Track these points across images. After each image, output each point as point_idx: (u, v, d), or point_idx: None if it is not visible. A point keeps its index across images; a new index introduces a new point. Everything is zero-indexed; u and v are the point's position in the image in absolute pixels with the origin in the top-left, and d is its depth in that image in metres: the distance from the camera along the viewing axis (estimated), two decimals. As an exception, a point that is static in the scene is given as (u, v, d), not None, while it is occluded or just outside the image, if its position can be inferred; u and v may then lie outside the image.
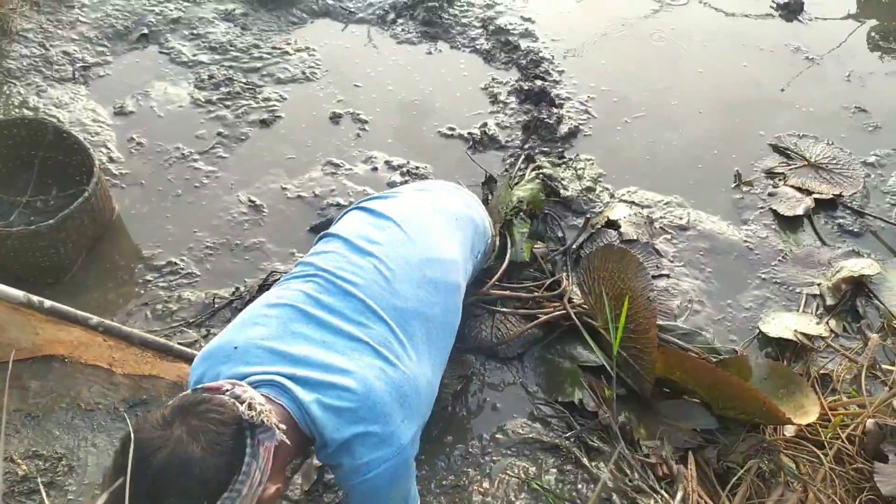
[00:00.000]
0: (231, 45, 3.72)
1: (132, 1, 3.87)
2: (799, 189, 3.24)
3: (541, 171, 3.12)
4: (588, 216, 3.01)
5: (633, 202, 3.15)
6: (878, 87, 3.85)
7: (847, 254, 2.98)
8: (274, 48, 3.75)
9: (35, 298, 2.17)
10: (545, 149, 3.34)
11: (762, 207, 3.19)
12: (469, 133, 3.40)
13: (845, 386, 2.45)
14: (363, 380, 1.43)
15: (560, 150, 3.35)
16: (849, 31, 4.23)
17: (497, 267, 2.56)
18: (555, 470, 2.19)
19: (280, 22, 3.92)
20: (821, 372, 2.49)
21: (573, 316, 2.50)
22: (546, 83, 3.63)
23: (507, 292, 2.59)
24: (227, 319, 2.57)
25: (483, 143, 3.36)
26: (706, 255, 2.98)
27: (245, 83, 3.54)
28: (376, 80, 3.66)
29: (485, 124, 3.43)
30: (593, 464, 2.20)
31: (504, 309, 2.56)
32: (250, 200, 3.02)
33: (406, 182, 3.11)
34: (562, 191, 3.09)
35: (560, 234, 2.95)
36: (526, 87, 3.60)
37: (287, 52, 3.74)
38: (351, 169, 3.18)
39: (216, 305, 2.60)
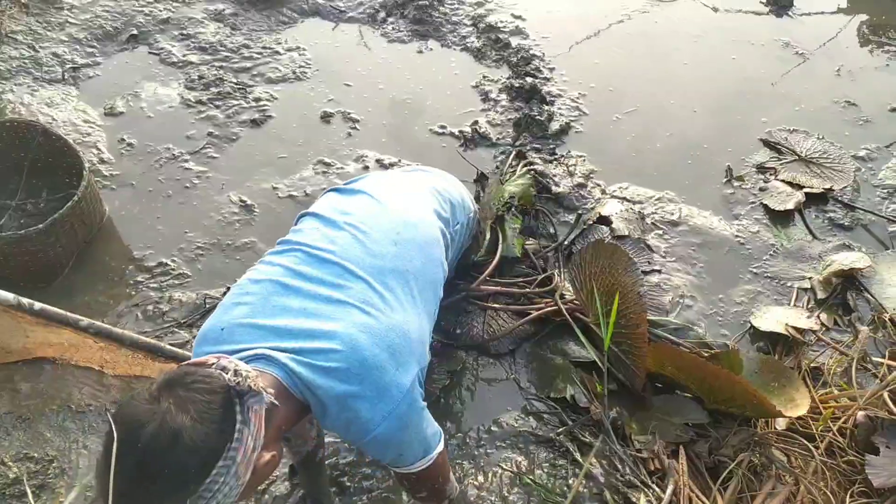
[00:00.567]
0: (221, 45, 3.71)
1: (121, 2, 3.86)
2: (790, 183, 3.25)
3: (532, 166, 3.12)
4: (580, 212, 3.01)
5: (624, 198, 3.15)
6: (867, 81, 3.86)
7: (838, 247, 2.99)
8: (264, 48, 3.75)
9: (25, 301, 2.16)
10: (536, 146, 3.34)
11: (753, 202, 3.20)
12: (460, 131, 3.40)
13: (836, 379, 2.45)
14: (348, 338, 1.43)
15: (551, 146, 3.35)
16: (839, 26, 4.23)
17: (488, 262, 2.56)
18: (547, 464, 2.20)
19: (270, 22, 3.92)
20: (812, 365, 2.49)
21: (565, 312, 2.50)
22: (537, 80, 3.63)
23: (499, 288, 2.59)
24: (219, 319, 2.56)
25: (474, 140, 3.36)
26: (698, 250, 2.98)
27: (235, 83, 3.53)
28: (367, 79, 3.66)
29: (476, 122, 3.43)
30: (585, 460, 2.20)
31: (496, 305, 2.57)
32: (241, 200, 3.01)
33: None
34: (553, 187, 3.09)
35: (552, 231, 2.96)
36: (517, 85, 3.60)
37: (277, 52, 3.74)
38: (342, 168, 3.17)
39: (207, 306, 2.60)
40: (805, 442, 2.24)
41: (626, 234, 2.93)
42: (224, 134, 3.30)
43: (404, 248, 1.67)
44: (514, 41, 3.89)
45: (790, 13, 4.28)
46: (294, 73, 3.63)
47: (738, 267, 2.93)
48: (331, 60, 3.74)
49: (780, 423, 2.31)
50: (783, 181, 3.26)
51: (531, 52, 3.81)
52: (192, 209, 2.98)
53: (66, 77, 3.44)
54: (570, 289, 2.62)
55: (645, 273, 2.81)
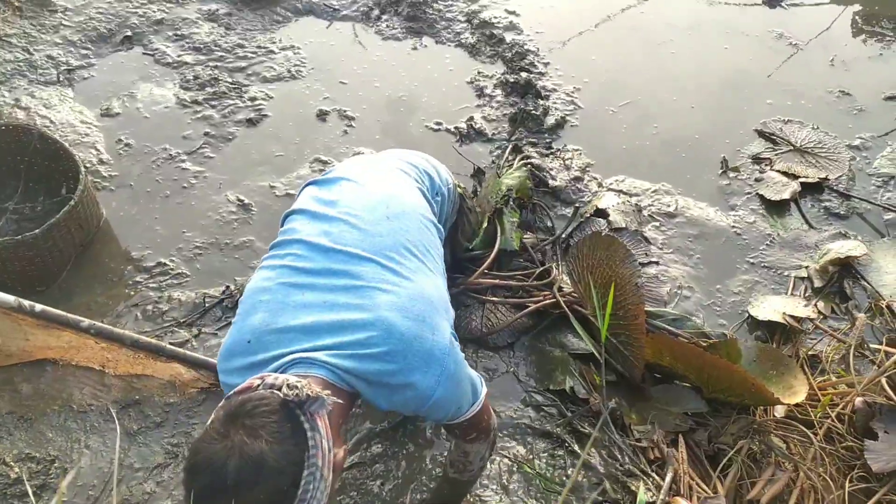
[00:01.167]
0: (216, 45, 3.72)
1: (115, 3, 3.87)
2: (785, 174, 3.26)
3: (528, 160, 3.13)
4: (577, 205, 3.02)
5: (621, 191, 3.16)
6: (861, 70, 3.88)
7: (834, 236, 3.00)
8: (259, 47, 3.75)
9: (26, 303, 2.16)
10: (532, 140, 3.35)
11: (749, 193, 3.21)
12: (456, 127, 3.40)
13: (834, 366, 2.47)
14: (380, 321, 1.44)
15: (547, 140, 3.36)
16: (832, 16, 4.24)
17: (486, 256, 2.57)
18: (546, 454, 2.21)
19: (264, 21, 3.92)
20: (809, 353, 2.51)
21: (563, 304, 2.51)
22: (532, 75, 3.64)
23: (497, 281, 2.60)
24: (218, 318, 2.58)
25: (470, 136, 3.37)
26: (695, 242, 2.99)
27: (231, 83, 3.54)
28: (362, 76, 3.67)
29: (471, 118, 3.44)
30: (583, 449, 2.22)
31: (494, 298, 2.57)
32: (239, 199, 3.02)
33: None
34: (550, 181, 3.10)
35: (549, 224, 2.97)
36: (512, 80, 3.61)
37: (272, 51, 3.74)
38: (339, 165, 3.18)
39: (207, 305, 2.61)
40: (804, 429, 2.26)
41: (624, 226, 2.94)
42: (220, 133, 3.30)
43: (397, 220, 1.67)
44: (509, 36, 3.90)
45: (783, 4, 4.29)
46: (289, 71, 3.64)
47: (735, 257, 2.95)
48: (325, 59, 3.74)
49: (779, 411, 2.32)
50: (779, 171, 3.27)
51: (525, 47, 3.82)
52: (189, 209, 2.98)
53: (61, 79, 3.45)
54: (568, 281, 2.63)
55: (642, 265, 2.82)
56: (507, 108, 3.50)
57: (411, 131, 3.40)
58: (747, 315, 2.69)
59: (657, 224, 3.04)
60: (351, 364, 1.40)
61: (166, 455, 2.18)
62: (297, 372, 1.38)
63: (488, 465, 2.17)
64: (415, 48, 3.87)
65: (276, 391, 1.24)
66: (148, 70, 3.58)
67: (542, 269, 2.69)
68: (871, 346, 2.52)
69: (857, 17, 4.25)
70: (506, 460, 2.19)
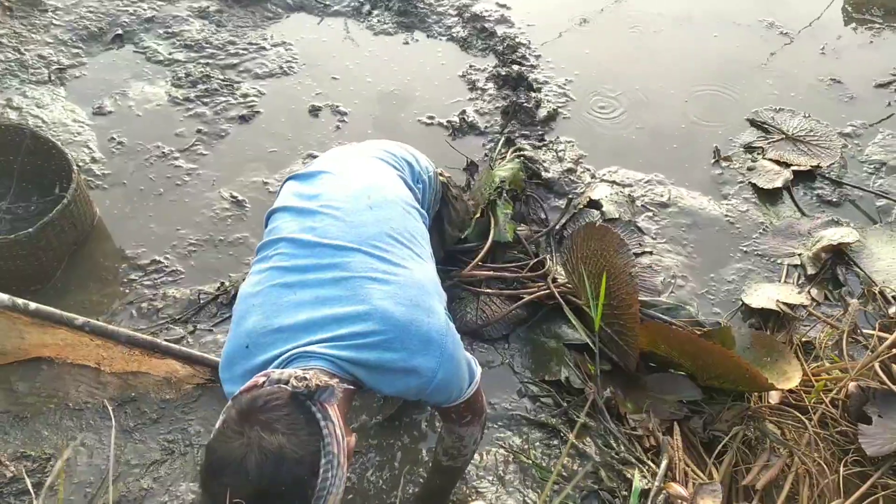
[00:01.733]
0: (207, 43, 3.71)
1: (105, 2, 3.86)
2: (777, 162, 3.27)
3: (521, 152, 3.14)
4: (570, 197, 3.03)
5: (614, 181, 3.17)
6: (852, 58, 3.89)
7: (826, 223, 3.01)
8: (250, 44, 3.75)
9: (20, 301, 2.16)
10: (525, 133, 3.35)
11: (742, 181, 3.22)
12: (448, 121, 3.41)
13: (827, 352, 2.48)
14: (374, 310, 1.45)
15: (540, 133, 3.36)
16: (823, 5, 4.24)
17: (480, 248, 2.57)
18: (542, 445, 2.22)
19: (255, 17, 3.92)
20: (803, 339, 2.52)
21: (557, 295, 2.52)
22: (523, 68, 3.64)
23: (491, 273, 2.61)
24: (213, 315, 2.58)
25: (463, 129, 3.37)
26: (688, 231, 3.00)
27: (222, 80, 3.53)
28: (354, 71, 3.67)
29: (464, 111, 3.44)
30: (579, 440, 2.23)
31: (489, 290, 2.58)
32: (232, 196, 3.02)
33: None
34: (543, 173, 3.10)
35: (543, 216, 2.97)
36: (503, 73, 3.61)
37: (263, 48, 3.74)
38: (332, 160, 3.18)
39: (201, 301, 2.61)
40: (798, 414, 2.27)
41: (617, 216, 2.95)
42: (213, 130, 3.30)
43: (380, 209, 1.67)
44: (500, 30, 3.90)
45: (774, -7, 4.30)
46: (281, 68, 3.64)
47: (729, 246, 2.96)
48: (317, 54, 3.74)
49: (773, 397, 2.33)
50: (771, 160, 3.28)
51: (517, 40, 3.82)
52: (183, 206, 2.98)
53: (52, 78, 3.44)
54: (562, 272, 2.63)
55: (636, 255, 2.83)
56: (499, 101, 3.50)
57: (404, 126, 3.41)
58: (741, 303, 2.70)
59: (650, 214, 3.05)
60: (349, 354, 1.41)
61: (163, 451, 2.18)
62: (297, 366, 1.39)
63: (484, 456, 2.18)
64: (406, 42, 3.86)
65: (284, 385, 1.25)
66: (139, 68, 3.57)
67: (536, 260, 2.70)
68: (865, 331, 2.54)
69: (847, 6, 4.26)
70: (501, 451, 2.20)
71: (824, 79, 3.74)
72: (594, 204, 2.99)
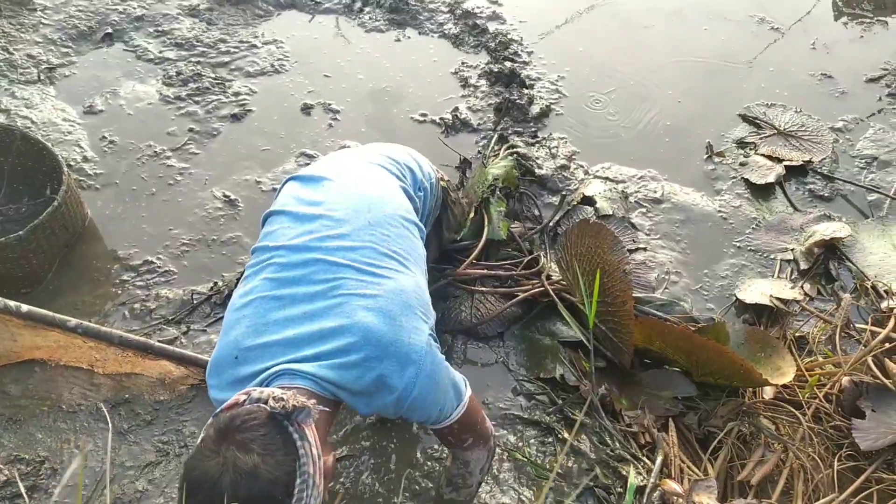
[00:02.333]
0: (197, 41, 3.69)
1: (95, 1, 3.83)
2: (770, 157, 3.28)
3: (514, 149, 3.13)
4: (563, 193, 3.03)
5: (607, 178, 3.17)
6: (842, 53, 3.90)
7: (819, 218, 3.02)
8: (241, 42, 3.73)
9: (12, 303, 2.15)
10: (518, 129, 3.35)
11: (734, 177, 3.23)
12: (441, 118, 3.40)
13: (821, 347, 2.49)
14: (357, 327, 1.46)
15: (533, 129, 3.36)
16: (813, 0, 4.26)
17: (474, 246, 2.57)
18: (537, 442, 2.22)
19: (246, 15, 3.90)
20: (797, 334, 2.53)
21: (551, 292, 2.52)
22: (516, 65, 3.63)
23: (486, 271, 2.61)
24: (207, 315, 2.57)
25: (455, 126, 3.37)
26: (681, 227, 3.01)
27: (214, 78, 3.51)
28: (346, 69, 3.65)
29: (456, 108, 3.43)
30: (571, 435, 2.23)
31: (483, 289, 2.58)
32: (225, 195, 3.01)
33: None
34: (536, 170, 3.10)
35: (536, 213, 2.97)
36: (496, 70, 3.60)
37: (255, 46, 3.72)
38: (324, 159, 3.17)
39: (195, 301, 2.60)
40: (792, 409, 2.28)
41: (611, 213, 2.95)
42: (205, 129, 3.28)
43: (379, 225, 1.68)
44: (492, 26, 3.89)
45: (765, -12, 4.30)
46: (272, 66, 3.62)
47: (722, 241, 2.96)
48: (309, 52, 3.73)
49: (768, 392, 2.34)
50: (763, 155, 3.29)
51: (509, 36, 3.82)
52: (175, 206, 2.97)
53: (42, 78, 3.41)
54: (557, 270, 2.63)
55: (630, 251, 2.83)
56: (491, 98, 3.50)
57: (396, 123, 3.40)
58: (735, 298, 2.71)
59: (644, 210, 3.05)
60: (333, 375, 1.44)
61: (158, 453, 2.18)
62: (282, 383, 1.42)
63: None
64: (398, 40, 3.85)
65: (262, 405, 1.28)
66: (130, 67, 3.55)
67: (530, 257, 2.70)
68: (857, 325, 2.55)
69: (837, 1, 4.27)
70: (496, 448, 2.20)
71: (815, 74, 3.75)
72: (588, 200, 2.99)
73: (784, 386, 2.31)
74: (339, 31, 3.88)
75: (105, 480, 2.08)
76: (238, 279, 2.59)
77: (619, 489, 2.07)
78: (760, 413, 2.28)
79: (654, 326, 2.29)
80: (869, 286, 2.69)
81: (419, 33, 3.90)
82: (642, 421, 2.21)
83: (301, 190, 1.79)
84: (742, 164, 3.26)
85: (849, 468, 2.15)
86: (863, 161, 3.30)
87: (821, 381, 2.34)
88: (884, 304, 2.59)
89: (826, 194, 3.14)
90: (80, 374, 2.35)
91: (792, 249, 2.89)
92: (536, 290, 2.56)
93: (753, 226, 3.01)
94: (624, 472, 2.09)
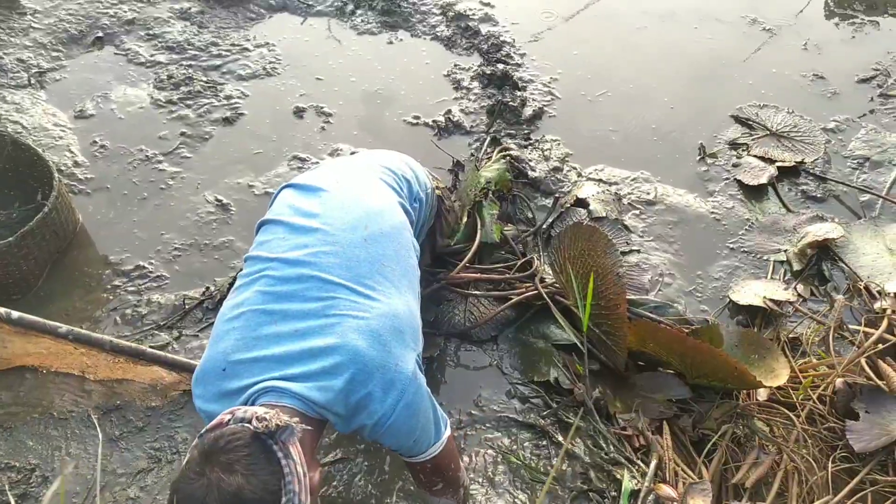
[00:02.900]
0: (189, 44, 3.68)
1: (85, 4, 3.81)
2: (762, 158, 3.28)
3: (507, 152, 3.13)
4: (557, 196, 3.02)
5: (600, 180, 3.17)
6: (834, 54, 3.91)
7: (811, 219, 3.02)
8: (233, 45, 3.72)
9: (2, 310, 2.14)
10: (511, 132, 3.35)
11: (727, 178, 3.23)
12: (434, 120, 3.39)
13: (814, 348, 2.49)
14: (347, 348, 1.47)
15: (526, 132, 3.36)
16: (804, 0, 4.26)
17: (467, 249, 2.56)
18: (531, 445, 2.21)
19: (237, 18, 3.88)
20: (790, 336, 2.53)
21: (545, 295, 2.51)
22: (508, 67, 3.63)
23: (479, 275, 2.60)
24: (199, 320, 2.55)
25: (448, 129, 3.36)
26: (675, 229, 3.01)
27: (206, 81, 3.50)
28: (338, 72, 3.64)
29: (449, 111, 3.42)
30: (566, 438, 2.22)
31: (476, 292, 2.57)
32: (217, 199, 2.99)
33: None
34: (529, 172, 3.10)
35: (530, 215, 2.97)
36: (488, 72, 3.60)
37: (246, 49, 3.71)
38: (317, 162, 3.16)
39: (187, 306, 2.58)
40: (786, 411, 2.28)
41: (604, 215, 2.95)
42: (197, 133, 3.27)
43: (375, 243, 1.68)
44: (484, 28, 3.89)
45: (756, -10, 4.31)
46: (264, 69, 3.61)
47: (715, 243, 2.96)
48: (301, 55, 3.72)
49: (762, 394, 2.34)
50: (755, 156, 3.29)
51: (501, 38, 3.82)
52: (167, 210, 2.96)
53: (32, 82, 3.40)
54: (550, 272, 2.63)
55: (624, 254, 2.83)
56: (484, 101, 3.49)
57: (389, 126, 3.39)
58: (728, 300, 2.71)
59: (637, 212, 3.05)
60: (318, 396, 1.44)
61: (149, 459, 2.16)
62: (268, 401, 1.43)
63: (473, 457, 2.17)
64: (390, 42, 3.85)
65: (246, 424, 1.28)
66: (121, 70, 3.54)
67: (523, 260, 2.69)
68: (851, 327, 2.55)
69: (829, 1, 4.28)
70: (490, 451, 2.19)
71: (807, 74, 3.76)
72: (581, 203, 2.99)
73: (778, 388, 2.30)
74: (331, 33, 3.87)
75: (96, 488, 2.06)
76: (230, 284, 2.61)
77: (614, 493, 2.07)
78: (754, 415, 2.28)
79: (648, 329, 2.29)
80: (862, 287, 2.69)
81: (411, 36, 3.89)
82: (636, 424, 2.21)
83: (297, 199, 1.77)
84: (735, 166, 3.26)
85: (843, 470, 2.15)
86: (855, 162, 3.31)
87: (814, 382, 2.34)
88: (877, 305, 2.59)
89: (819, 195, 3.15)
90: (71, 380, 2.33)
91: (785, 251, 2.89)
92: (530, 293, 2.56)
93: (746, 227, 3.01)
94: (618, 476, 2.08)
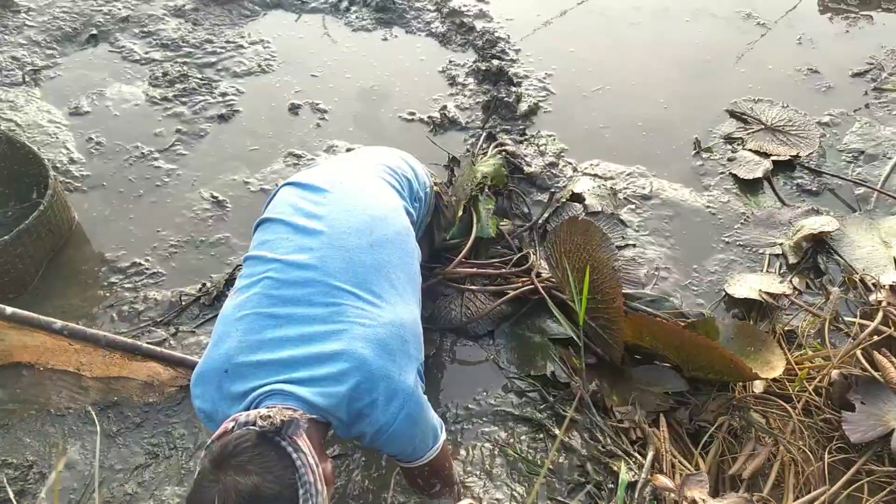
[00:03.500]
0: (184, 41, 3.67)
1: (79, 2, 3.81)
2: (757, 152, 3.29)
3: (503, 147, 3.13)
4: (552, 191, 3.03)
5: (595, 175, 3.17)
6: (828, 48, 3.91)
7: (807, 212, 3.02)
8: (228, 42, 3.71)
9: (-4, 306, 2.14)
10: (506, 127, 3.35)
11: (722, 172, 3.23)
12: (429, 116, 3.39)
13: (810, 340, 2.49)
14: (353, 356, 1.48)
15: (521, 127, 3.36)
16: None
17: (464, 244, 2.57)
18: (528, 439, 2.22)
19: (232, 15, 3.88)
20: (786, 328, 2.53)
21: (541, 290, 2.52)
22: (503, 63, 3.63)
23: (475, 269, 2.60)
24: (195, 316, 2.55)
25: (444, 125, 3.36)
26: (670, 223, 3.01)
27: (201, 79, 3.50)
28: (333, 68, 3.64)
29: (444, 107, 3.43)
30: (565, 433, 2.23)
31: (473, 287, 2.57)
32: (213, 196, 2.99)
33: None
34: (525, 167, 3.10)
35: (525, 210, 2.97)
36: (483, 68, 3.60)
37: (241, 46, 3.70)
38: (313, 159, 3.16)
39: (183, 303, 2.58)
40: (782, 403, 2.28)
41: (600, 210, 2.95)
42: (192, 130, 3.27)
43: (381, 249, 1.68)
44: (479, 24, 3.89)
45: (751, -15, 4.32)
46: (259, 66, 3.61)
47: (711, 236, 2.97)
48: (296, 52, 3.72)
49: (758, 387, 2.35)
50: (751, 150, 3.30)
51: (496, 34, 3.82)
52: (163, 207, 2.95)
53: (26, 80, 3.39)
54: (546, 267, 2.63)
55: (619, 248, 2.84)
56: (479, 96, 3.49)
57: (384, 122, 3.39)
58: (724, 294, 2.72)
59: (633, 206, 3.05)
60: (323, 401, 1.45)
61: (147, 455, 2.16)
62: (273, 403, 1.43)
63: (471, 451, 2.17)
64: (385, 39, 3.85)
65: (251, 427, 1.29)
66: (116, 68, 3.53)
67: (519, 255, 2.69)
68: (846, 319, 2.56)
69: (823, -4, 4.29)
70: (488, 445, 2.20)
71: (801, 68, 3.76)
72: (577, 197, 2.99)
73: (774, 380, 2.31)
74: (325, 30, 3.86)
75: (94, 484, 2.06)
76: (226, 280, 2.61)
77: (611, 485, 2.07)
78: (751, 407, 2.28)
79: (644, 322, 2.29)
80: (857, 279, 2.70)
81: (406, 32, 3.89)
82: (633, 416, 2.21)
83: (299, 199, 1.76)
84: (730, 160, 3.27)
85: (839, 461, 2.15)
86: (850, 155, 3.32)
87: (810, 374, 2.35)
88: (872, 297, 2.59)
89: (814, 188, 3.15)
90: (67, 377, 2.33)
91: (780, 244, 2.90)
92: (526, 287, 2.56)
93: (742, 221, 3.02)
94: (615, 468, 2.09)
